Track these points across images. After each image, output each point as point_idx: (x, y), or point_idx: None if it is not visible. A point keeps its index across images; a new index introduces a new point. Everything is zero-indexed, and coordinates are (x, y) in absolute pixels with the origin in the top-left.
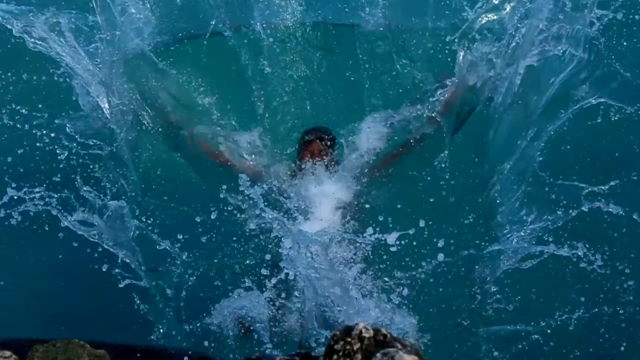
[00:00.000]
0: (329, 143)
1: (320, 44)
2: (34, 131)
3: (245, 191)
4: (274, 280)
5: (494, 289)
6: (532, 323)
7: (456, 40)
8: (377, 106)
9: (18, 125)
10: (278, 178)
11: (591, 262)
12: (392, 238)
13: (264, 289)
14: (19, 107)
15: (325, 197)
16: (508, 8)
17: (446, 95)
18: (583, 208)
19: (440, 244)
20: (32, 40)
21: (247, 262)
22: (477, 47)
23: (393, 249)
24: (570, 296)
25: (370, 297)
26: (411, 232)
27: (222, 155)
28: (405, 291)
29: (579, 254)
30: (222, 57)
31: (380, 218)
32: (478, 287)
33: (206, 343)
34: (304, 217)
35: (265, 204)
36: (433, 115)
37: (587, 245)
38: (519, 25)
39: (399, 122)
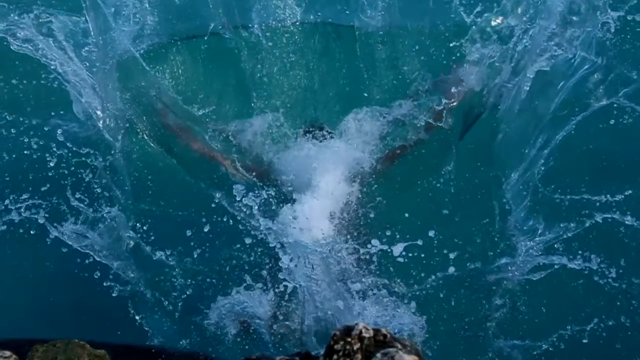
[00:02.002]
0: (326, 131)
1: (320, 45)
2: (21, 138)
3: (243, 200)
4: (274, 283)
5: (502, 301)
6: (542, 336)
7: (463, 43)
8: (375, 106)
9: (4, 132)
10: (276, 176)
11: (605, 275)
12: (398, 249)
13: (264, 289)
14: (6, 113)
15: (326, 172)
16: (517, 10)
17: (452, 100)
18: (596, 218)
19: (448, 254)
20: (18, 43)
21: (246, 264)
22: (483, 51)
23: (400, 259)
24: (582, 309)
25: (370, 299)
26: (419, 242)
27: (218, 157)
28: (413, 302)
29: (592, 266)
30: (219, 58)
31: (386, 227)
32: (486, 297)
33: (206, 343)
34: (303, 207)
35: (263, 205)
36: (439, 123)
37: (600, 257)
38: (528, 27)
39: (396, 121)
